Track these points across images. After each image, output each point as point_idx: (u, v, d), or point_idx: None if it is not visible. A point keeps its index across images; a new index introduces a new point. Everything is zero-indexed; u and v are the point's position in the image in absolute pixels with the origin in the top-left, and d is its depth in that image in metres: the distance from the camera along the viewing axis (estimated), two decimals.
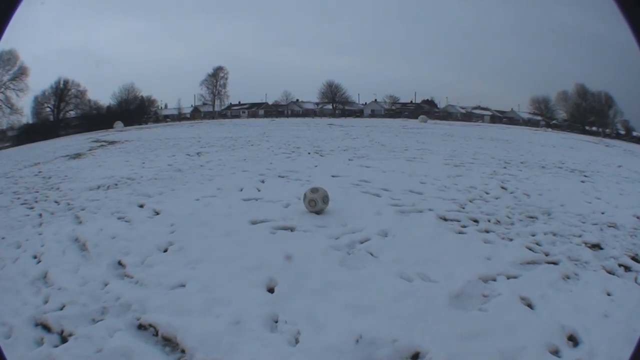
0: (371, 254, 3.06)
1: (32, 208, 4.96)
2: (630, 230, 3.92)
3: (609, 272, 2.95)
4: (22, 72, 28.03)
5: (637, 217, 4.36)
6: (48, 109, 30.21)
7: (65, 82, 30.62)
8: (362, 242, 3.25)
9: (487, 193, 5.22)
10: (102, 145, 12.42)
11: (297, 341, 2.13)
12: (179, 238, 3.43)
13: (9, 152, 15.64)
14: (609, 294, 2.59)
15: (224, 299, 2.44)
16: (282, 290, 2.59)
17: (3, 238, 3.85)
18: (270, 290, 2.62)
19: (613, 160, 10.34)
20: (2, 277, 2.92)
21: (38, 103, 29.75)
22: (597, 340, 2.07)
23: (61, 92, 30.33)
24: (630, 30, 1.10)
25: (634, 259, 3.22)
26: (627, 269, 3.05)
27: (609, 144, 17.21)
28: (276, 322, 2.26)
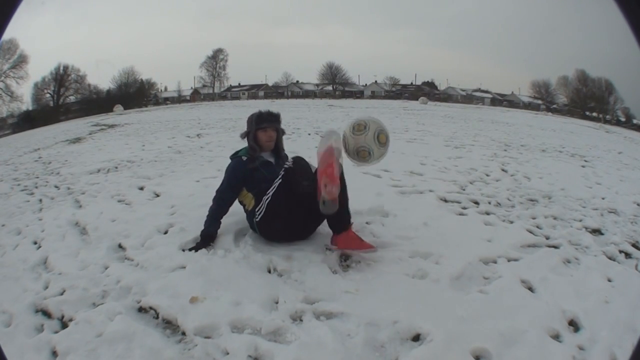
0: (372, 234, 3.05)
1: (32, 194, 4.96)
2: (630, 217, 3.90)
3: (610, 258, 2.94)
4: (22, 60, 27.84)
5: (638, 204, 4.35)
6: (48, 95, 30.11)
7: (65, 68, 30.45)
8: (367, 224, 3.23)
9: (487, 175, 5.22)
10: (102, 129, 12.40)
11: (301, 320, 2.12)
12: (179, 220, 3.41)
13: (9, 140, 15.61)
14: (609, 280, 2.58)
15: (223, 281, 2.43)
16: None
17: (3, 225, 3.84)
18: (269, 271, 2.62)
19: (613, 146, 10.32)
20: (2, 265, 2.91)
21: (38, 89, 29.64)
22: (597, 327, 2.06)
23: (61, 77, 30.16)
24: (630, 30, 1.07)
25: (634, 245, 3.20)
26: (628, 255, 3.04)
27: (609, 130, 17.18)
28: (276, 302, 2.25)
